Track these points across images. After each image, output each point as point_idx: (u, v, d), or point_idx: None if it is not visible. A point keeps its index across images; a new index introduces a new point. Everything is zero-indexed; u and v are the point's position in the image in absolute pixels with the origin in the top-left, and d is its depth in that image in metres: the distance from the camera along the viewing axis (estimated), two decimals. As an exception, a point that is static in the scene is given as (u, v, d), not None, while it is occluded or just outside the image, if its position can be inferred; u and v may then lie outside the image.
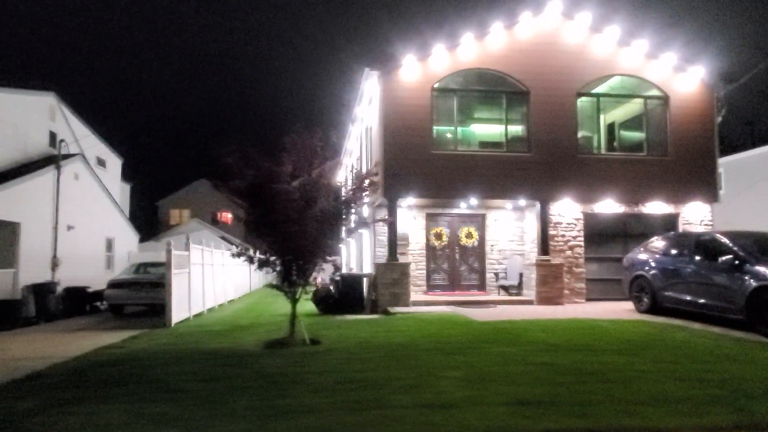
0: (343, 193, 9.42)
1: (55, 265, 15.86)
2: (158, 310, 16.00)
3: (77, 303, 16.18)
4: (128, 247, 22.80)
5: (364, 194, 9.34)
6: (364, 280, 14.14)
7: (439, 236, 16.35)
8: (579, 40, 15.10)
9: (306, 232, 8.87)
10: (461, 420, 4.62)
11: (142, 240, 27.95)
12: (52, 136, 17.61)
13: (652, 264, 12.07)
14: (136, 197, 34.37)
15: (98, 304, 17.72)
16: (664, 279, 11.60)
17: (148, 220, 50.09)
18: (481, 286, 16.43)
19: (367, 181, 9.46)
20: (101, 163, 21.19)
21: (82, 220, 17.61)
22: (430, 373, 6.32)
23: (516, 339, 8.70)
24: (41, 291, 14.44)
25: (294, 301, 9.27)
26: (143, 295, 15.74)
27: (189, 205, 56.39)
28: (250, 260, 9.19)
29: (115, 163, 23.23)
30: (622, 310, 12.81)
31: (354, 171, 9.51)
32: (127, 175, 25.48)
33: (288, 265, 9.01)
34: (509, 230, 16.47)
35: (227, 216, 57.43)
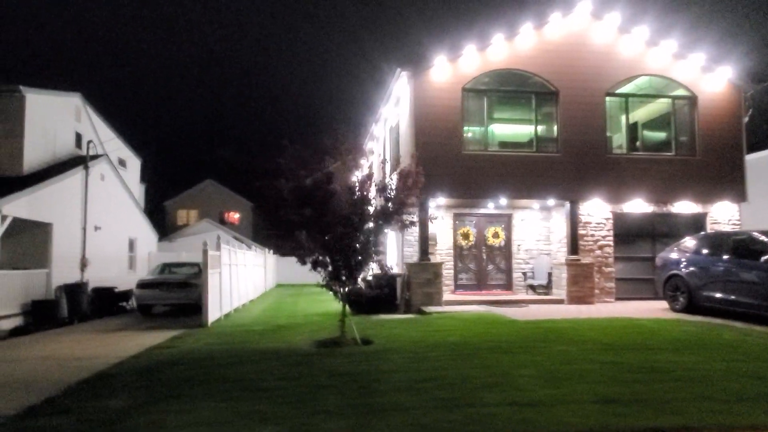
0: (388, 193, 9.42)
1: (84, 265, 15.90)
2: (186, 310, 16.08)
3: (105, 303, 16.22)
4: (148, 247, 22.84)
5: (413, 194, 9.38)
6: (398, 279, 14.19)
7: (466, 236, 16.41)
8: (607, 41, 15.16)
9: (356, 233, 8.95)
10: (556, 418, 4.68)
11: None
12: (78, 137, 17.65)
13: (688, 263, 12.14)
14: (148, 198, 34.39)
15: (124, 304, 17.76)
16: (701, 278, 11.67)
17: (157, 221, 50.18)
18: (508, 286, 16.50)
19: (412, 181, 9.48)
20: (122, 163, 21.24)
21: (107, 220, 17.67)
22: (502, 372, 6.38)
23: (568, 338, 8.76)
24: (73, 291, 14.49)
25: (344, 301, 9.34)
26: (172, 296, 15.78)
27: (196, 206, 56.41)
28: (302, 260, 9.24)
29: (134, 164, 23.27)
30: (655, 309, 12.88)
31: (400, 170, 9.50)
32: (144, 176, 25.54)
33: (338, 265, 9.07)
34: (536, 230, 16.54)
35: (234, 216, 57.58)
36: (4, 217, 12.09)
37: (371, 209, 9.12)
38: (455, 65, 14.49)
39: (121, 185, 19.46)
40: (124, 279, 18.90)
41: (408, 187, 9.26)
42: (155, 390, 5.95)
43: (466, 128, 14.68)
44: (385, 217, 9.12)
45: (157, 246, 26.58)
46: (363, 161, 9.52)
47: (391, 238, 17.51)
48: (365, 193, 9.15)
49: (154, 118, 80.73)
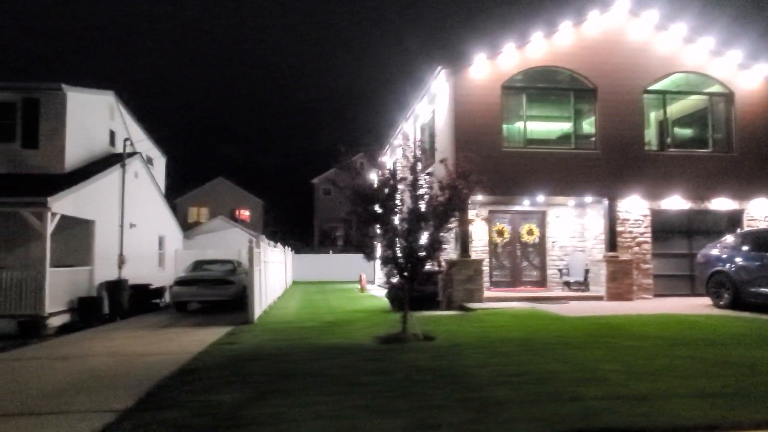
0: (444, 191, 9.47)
1: (121, 262, 16.01)
2: (219, 307, 16.16)
3: (142, 300, 16.33)
4: (175, 245, 22.96)
5: (470, 192, 9.44)
6: (439, 276, 14.25)
7: (501, 233, 16.47)
8: (644, 38, 15.19)
9: (421, 230, 9.03)
10: (670, 411, 4.73)
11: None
12: (111, 135, 17.74)
13: (733, 260, 12.18)
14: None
15: (157, 301, 17.87)
16: (748, 275, 11.71)
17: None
18: (542, 283, 16.57)
19: (468, 180, 9.52)
20: (149, 161, 21.33)
21: (140, 218, 17.77)
22: (586, 367, 6.44)
23: (629, 334, 8.81)
24: (115, 288, 14.60)
25: (407, 298, 9.41)
26: (210, 293, 15.89)
27: (207, 204, 56.59)
28: (368, 257, 9.32)
29: (160, 162, 23.37)
30: (697, 305, 12.93)
31: (460, 169, 9.54)
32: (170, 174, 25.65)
33: (401, 262, 9.14)
34: (570, 227, 16.59)
35: (245, 213, 57.75)
36: (53, 215, 12.19)
37: (434, 206, 9.18)
38: (494, 63, 14.54)
39: (152, 183, 19.57)
40: (155, 276, 19.02)
41: (468, 184, 9.32)
42: (252, 384, 6.01)
43: (504, 126, 14.72)
44: (446, 214, 9.17)
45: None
46: (425, 161, 9.56)
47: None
48: (428, 189, 9.22)
49: (166, 115, 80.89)
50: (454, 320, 11.28)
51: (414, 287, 14.58)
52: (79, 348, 9.50)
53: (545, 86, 15.12)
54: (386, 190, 9.07)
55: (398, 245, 9.13)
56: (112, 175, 15.58)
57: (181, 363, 7.64)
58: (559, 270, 16.07)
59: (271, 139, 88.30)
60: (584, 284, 15.52)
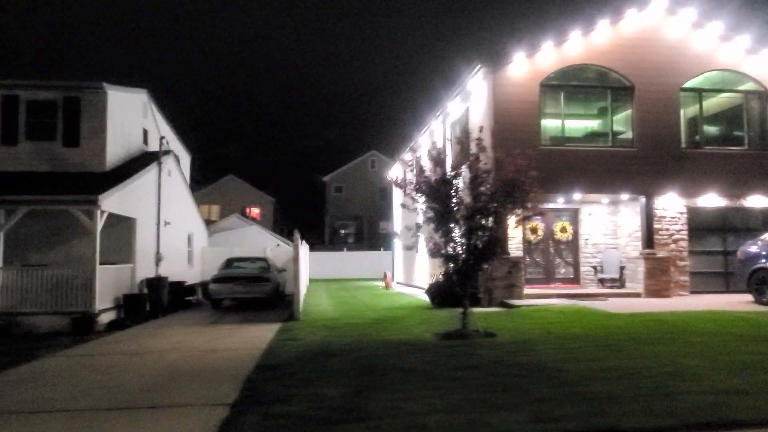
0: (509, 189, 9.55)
1: (158, 260, 16.11)
2: (254, 305, 16.23)
3: (177, 297, 16.43)
4: (201, 242, 23.07)
5: (532, 188, 9.52)
6: (480, 273, 14.31)
7: (534, 230, 16.56)
8: (681, 36, 15.25)
9: (482, 227, 9.13)
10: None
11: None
12: (145, 133, 17.83)
13: (776, 257, 12.26)
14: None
15: (190, 298, 17.97)
16: (793, 271, 11.79)
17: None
18: (575, 279, 16.66)
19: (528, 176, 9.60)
20: (176, 159, 21.41)
21: (173, 216, 17.86)
22: (669, 363, 6.53)
23: (691, 330, 8.90)
24: (155, 285, 14.70)
25: (467, 295, 9.52)
26: (247, 290, 15.99)
27: (218, 201, 56.70)
28: (433, 254, 9.43)
29: (185, 160, 23.44)
30: (738, 302, 13.01)
31: (519, 168, 9.59)
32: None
33: (462, 259, 9.24)
34: (603, 224, 16.67)
35: (255, 211, 57.91)
36: (102, 213, 12.28)
37: (496, 204, 9.26)
38: (532, 61, 14.60)
39: (183, 181, 19.67)
40: (185, 274, 19.10)
41: (530, 182, 9.40)
42: (346, 379, 6.11)
43: (542, 124, 14.79)
44: (507, 210, 9.26)
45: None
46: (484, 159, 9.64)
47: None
48: (488, 188, 9.30)
49: (174, 112, 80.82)
50: (502, 317, 11.37)
51: (455, 284, 14.79)
52: (141, 344, 9.61)
53: (583, 84, 15.18)
54: (449, 187, 9.15)
55: (457, 242, 9.22)
56: (150, 173, 15.68)
57: (254, 358, 7.75)
58: (593, 267, 16.16)
59: (282, 137, 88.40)
60: (619, 281, 15.61)
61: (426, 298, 18.03)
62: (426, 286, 21.34)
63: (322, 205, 55.57)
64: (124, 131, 15.85)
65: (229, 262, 18.23)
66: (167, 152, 17.15)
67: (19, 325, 11.60)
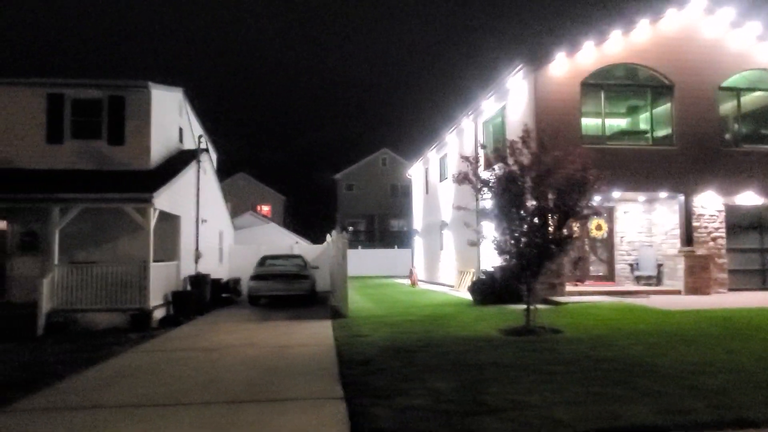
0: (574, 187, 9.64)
1: (198, 257, 16.24)
2: (291, 302, 16.31)
3: (215, 294, 16.56)
4: (229, 240, 23.20)
5: (601, 185, 9.62)
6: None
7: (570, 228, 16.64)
8: (719, 35, 15.35)
9: (548, 226, 9.26)
10: None
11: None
12: (180, 131, 17.93)
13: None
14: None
15: (225, 295, 18.08)
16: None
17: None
18: (610, 277, 16.77)
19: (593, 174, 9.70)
20: (210, 157, 21.53)
21: (208, 214, 17.99)
22: (757, 358, 6.66)
23: (754, 325, 9.03)
24: (199, 282, 14.84)
25: (529, 291, 9.64)
26: (287, 287, 16.10)
27: (229, 199, 56.51)
28: (500, 251, 9.56)
29: (213, 158, 23.54)
30: (780, 299, 13.14)
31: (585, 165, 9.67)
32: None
33: (527, 256, 9.36)
34: (638, 222, 16.78)
35: (265, 209, 58.03)
36: (155, 210, 12.40)
37: (562, 202, 9.37)
38: (573, 60, 14.70)
39: (215, 179, 19.79)
40: (216, 271, 19.21)
41: (595, 180, 9.50)
42: (446, 373, 6.24)
43: (583, 122, 14.90)
44: (571, 210, 9.36)
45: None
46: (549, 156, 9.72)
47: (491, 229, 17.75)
48: (554, 186, 9.40)
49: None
50: (554, 313, 11.48)
51: (486, 282, 14.92)
52: (209, 340, 9.72)
53: (622, 83, 15.30)
54: (519, 184, 9.26)
55: (523, 240, 9.34)
56: (191, 170, 15.80)
57: (331, 354, 7.90)
58: (630, 265, 16.29)
59: (292, 135, 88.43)
60: (656, 278, 15.73)
61: (460, 295, 18.20)
62: (453, 284, 21.54)
63: (334, 203, 55.67)
64: (165, 129, 15.95)
65: (264, 260, 18.34)
66: (204, 150, 17.26)
67: (76, 321, 11.73)
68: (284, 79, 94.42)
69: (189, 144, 18.44)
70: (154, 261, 13.28)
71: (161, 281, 13.05)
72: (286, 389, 6.00)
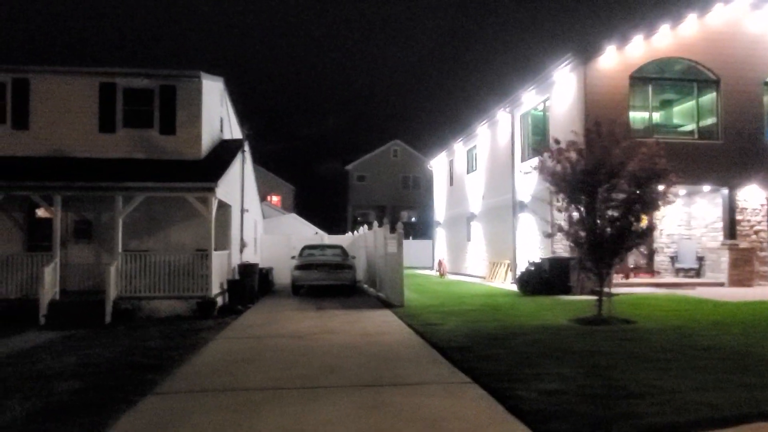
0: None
1: (243, 246, 16.40)
2: (332, 291, 16.47)
3: (261, 283, 16.72)
4: (260, 229, 23.34)
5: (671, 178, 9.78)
6: (570, 262, 14.64)
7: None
8: (765, 30, 15.47)
9: (625, 217, 9.43)
10: None
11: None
12: (221, 121, 18.01)
13: None
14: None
15: (267, 284, 18.21)
16: None
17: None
18: (649, 269, 16.98)
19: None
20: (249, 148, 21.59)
21: (248, 203, 18.13)
22: None
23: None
24: (248, 271, 15.00)
25: (601, 282, 9.82)
26: (331, 277, 16.26)
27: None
28: (577, 243, 9.74)
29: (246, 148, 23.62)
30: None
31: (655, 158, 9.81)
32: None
33: (605, 247, 9.54)
34: (677, 215, 16.97)
35: (275, 199, 58.08)
36: (215, 199, 12.53)
37: (637, 194, 9.53)
38: (622, 53, 14.82)
39: (252, 169, 19.90)
40: (252, 260, 19.37)
41: (667, 171, 9.66)
42: (555, 360, 6.42)
43: (631, 115, 15.04)
44: (652, 201, 9.53)
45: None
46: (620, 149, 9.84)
47: (531, 221, 17.95)
48: (627, 178, 9.54)
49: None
50: (611, 304, 11.66)
51: (533, 274, 15.12)
52: (285, 327, 9.86)
53: (670, 77, 15.46)
54: (598, 176, 9.40)
55: (597, 231, 9.51)
56: (238, 161, 15.91)
57: (418, 342, 8.12)
58: (671, 257, 16.50)
59: (302, 124, 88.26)
60: (697, 271, 15.96)
61: (496, 285, 18.47)
62: (484, 275, 21.75)
63: (344, 193, 55.75)
64: (211, 119, 16.04)
65: (305, 250, 18.48)
66: (245, 140, 17.37)
67: (140, 309, 11.90)
68: (293, 65, 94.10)
69: (228, 134, 18.53)
70: (201, 250, 13.43)
71: (218, 270, 13.20)
72: (407, 374, 6.17)
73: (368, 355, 7.25)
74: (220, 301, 13.08)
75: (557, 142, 10.12)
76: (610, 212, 9.54)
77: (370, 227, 60.81)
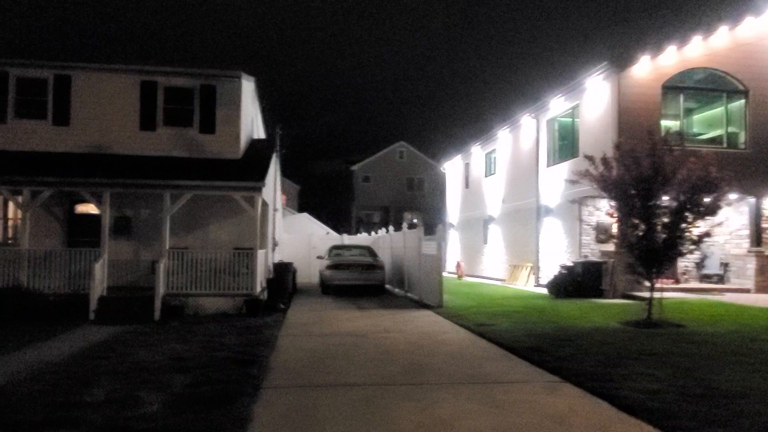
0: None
1: (275, 245, 16.55)
2: (360, 291, 16.61)
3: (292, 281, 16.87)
4: (281, 228, 23.47)
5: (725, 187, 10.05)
6: (602, 267, 14.92)
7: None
8: (793, 43, 15.84)
9: (683, 221, 9.71)
10: None
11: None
12: (252, 120, 18.15)
13: None
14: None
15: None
16: None
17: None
18: (672, 275, 17.27)
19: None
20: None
21: (277, 203, 18.28)
22: None
23: None
24: (283, 270, 15.14)
25: (651, 284, 10.09)
26: (362, 277, 16.43)
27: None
28: (631, 248, 9.98)
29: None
30: None
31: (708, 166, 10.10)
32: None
33: (658, 252, 9.79)
34: (700, 222, 17.26)
35: (283, 198, 58.04)
36: (261, 198, 12.69)
37: (689, 200, 9.79)
38: (655, 63, 15.12)
39: (279, 169, 20.05)
40: (276, 258, 19.54)
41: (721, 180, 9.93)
42: (637, 362, 6.65)
43: (662, 124, 15.33)
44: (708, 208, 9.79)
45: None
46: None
47: (557, 225, 18.22)
48: (684, 185, 9.81)
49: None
50: (646, 308, 11.93)
51: (565, 277, 15.37)
52: (337, 326, 10.04)
53: (700, 87, 15.78)
54: (655, 183, 9.65)
55: (650, 236, 9.77)
56: (273, 160, 16.06)
57: (482, 342, 8.30)
58: (696, 264, 16.80)
59: (308, 124, 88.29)
60: (720, 277, 16.29)
61: (521, 287, 18.72)
62: (503, 278, 21.99)
63: (349, 194, 55.89)
64: (247, 119, 16.18)
65: (333, 250, 18.64)
66: (278, 140, 17.52)
67: (187, 306, 12.02)
68: (298, 63, 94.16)
69: (258, 133, 18.68)
70: (242, 248, 13.58)
71: (261, 268, 13.35)
72: (496, 373, 6.38)
73: (444, 354, 7.46)
74: (262, 298, 13.23)
75: (618, 148, 10.35)
76: (664, 219, 9.78)
77: (373, 228, 60.61)
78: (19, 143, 13.96)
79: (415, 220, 56.26)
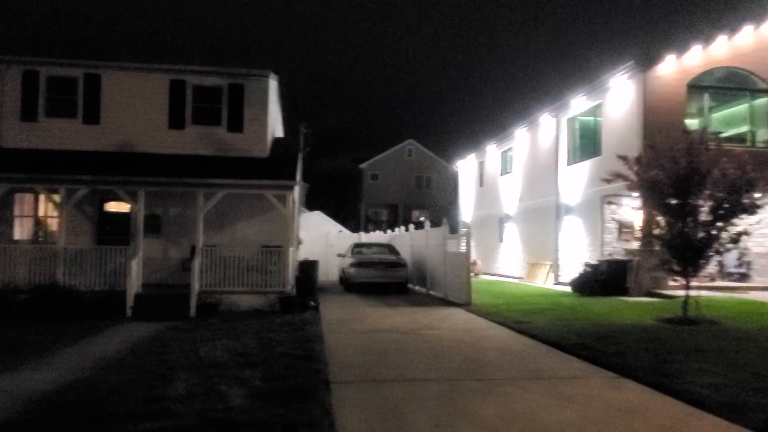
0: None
1: (299, 243, 16.67)
2: (383, 289, 16.69)
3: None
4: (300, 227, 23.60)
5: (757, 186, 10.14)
6: (627, 265, 15.01)
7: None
8: (816, 41, 15.89)
9: (717, 221, 9.81)
10: None
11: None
12: (274, 119, 18.27)
13: None
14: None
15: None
16: None
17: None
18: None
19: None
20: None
21: (298, 201, 18.39)
22: None
23: None
24: (309, 268, 15.25)
25: (687, 284, 10.19)
26: (386, 275, 16.55)
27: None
28: (670, 247, 10.08)
29: (283, 145, 23.87)
30: None
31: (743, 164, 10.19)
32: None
33: (693, 250, 9.90)
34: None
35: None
36: (291, 197, 12.82)
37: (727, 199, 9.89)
38: (680, 62, 15.19)
39: (301, 168, 20.16)
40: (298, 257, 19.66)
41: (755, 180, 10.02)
42: (692, 356, 6.77)
43: (687, 123, 15.42)
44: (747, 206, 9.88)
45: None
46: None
47: (577, 223, 18.31)
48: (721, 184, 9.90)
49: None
50: (676, 306, 12.01)
51: (589, 275, 15.47)
52: (377, 323, 10.18)
53: (725, 86, 15.85)
54: (695, 179, 9.73)
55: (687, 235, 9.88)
56: (300, 158, 16.18)
57: (523, 339, 8.44)
58: (719, 261, 16.89)
59: (317, 122, 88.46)
60: (742, 275, 16.39)
61: (540, 285, 18.86)
62: (521, 276, 22.11)
63: (358, 192, 55.97)
64: (272, 118, 16.30)
65: (355, 247, 18.76)
66: (302, 138, 17.64)
67: (221, 303, 12.15)
68: (307, 61, 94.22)
69: (278, 132, 18.78)
70: (270, 246, 13.68)
71: (291, 266, 13.48)
72: (552, 368, 6.50)
73: (494, 350, 7.59)
74: (292, 295, 13.36)
75: (652, 148, 10.44)
76: (701, 217, 9.87)
77: (381, 226, 60.74)
78: (49, 142, 14.09)
79: (422, 218, 56.49)
